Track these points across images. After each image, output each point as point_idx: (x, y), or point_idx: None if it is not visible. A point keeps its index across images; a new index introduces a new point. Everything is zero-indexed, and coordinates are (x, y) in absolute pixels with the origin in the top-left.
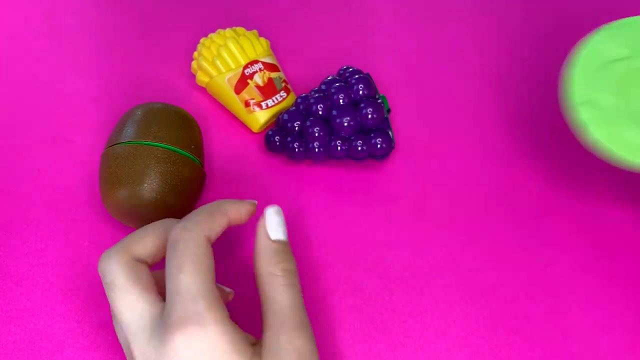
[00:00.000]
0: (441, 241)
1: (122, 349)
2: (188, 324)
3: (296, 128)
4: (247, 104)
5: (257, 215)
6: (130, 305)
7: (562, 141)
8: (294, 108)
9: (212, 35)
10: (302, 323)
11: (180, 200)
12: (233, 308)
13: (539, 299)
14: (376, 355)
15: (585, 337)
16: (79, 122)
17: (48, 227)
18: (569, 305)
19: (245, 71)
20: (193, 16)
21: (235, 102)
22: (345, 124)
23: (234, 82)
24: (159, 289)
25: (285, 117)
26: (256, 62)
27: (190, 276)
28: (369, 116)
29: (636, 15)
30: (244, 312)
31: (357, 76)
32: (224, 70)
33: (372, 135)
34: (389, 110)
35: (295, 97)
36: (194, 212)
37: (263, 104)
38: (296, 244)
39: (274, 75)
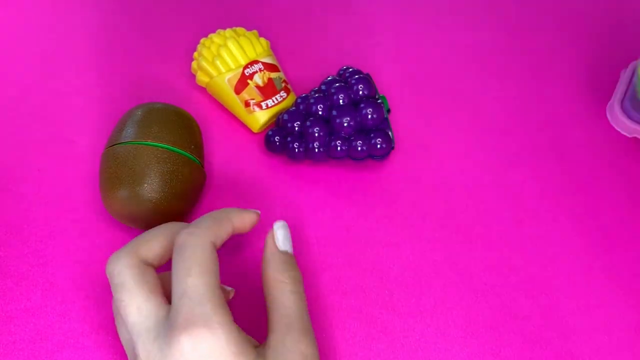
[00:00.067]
0: (441, 241)
1: (122, 349)
2: (195, 326)
3: (296, 128)
4: (247, 104)
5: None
6: (137, 306)
7: (562, 141)
8: (294, 108)
9: (212, 35)
10: (307, 328)
11: (180, 200)
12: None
13: (539, 299)
14: (376, 355)
15: (585, 337)
16: (79, 122)
17: (48, 227)
18: (569, 305)
19: (245, 71)
20: (193, 16)
21: (235, 102)
22: (345, 124)
23: (234, 82)
24: (164, 291)
25: (285, 117)
26: (256, 62)
27: (197, 279)
28: (369, 116)
29: None
30: (241, 316)
31: (357, 76)
32: (224, 70)
33: (372, 135)
34: (389, 110)
35: (295, 97)
36: (201, 218)
37: (263, 104)
38: (296, 244)
39: (274, 75)
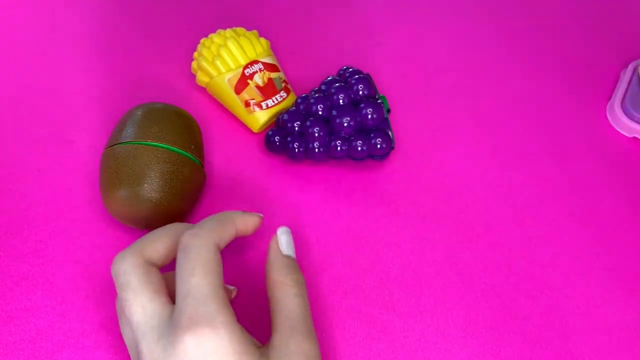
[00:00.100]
0: (441, 241)
1: (122, 349)
2: (199, 325)
3: (296, 128)
4: (247, 104)
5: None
6: (141, 306)
7: (562, 141)
8: (294, 108)
9: (212, 35)
10: (310, 330)
11: (181, 200)
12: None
13: (539, 299)
14: (376, 355)
15: (585, 337)
16: (79, 122)
17: (48, 227)
18: (569, 305)
19: (246, 71)
20: (193, 16)
21: (235, 102)
22: (345, 124)
23: (234, 82)
24: (168, 291)
25: (285, 117)
26: (256, 62)
27: (201, 279)
28: (369, 116)
29: None
30: (242, 317)
31: (357, 76)
32: (224, 70)
33: (372, 135)
34: (389, 110)
35: (295, 97)
36: (205, 219)
37: (263, 104)
38: (296, 244)
39: (274, 75)
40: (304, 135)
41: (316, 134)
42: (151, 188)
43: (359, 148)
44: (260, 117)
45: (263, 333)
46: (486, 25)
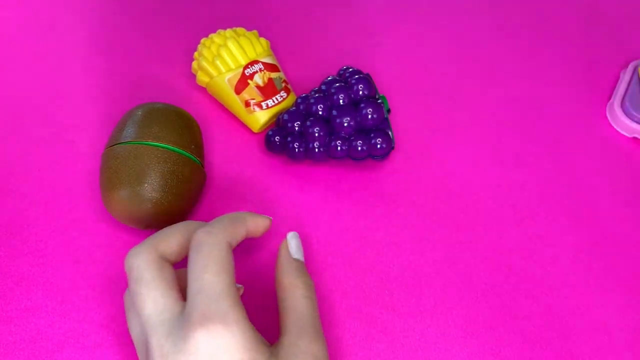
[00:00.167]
0: (441, 241)
1: (123, 349)
2: (211, 322)
3: (296, 128)
4: (247, 104)
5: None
6: (154, 300)
7: (562, 141)
8: (294, 108)
9: (212, 35)
10: (319, 332)
11: (181, 200)
12: None
13: (539, 299)
14: (376, 355)
15: (585, 337)
16: (79, 122)
17: (48, 227)
18: (569, 305)
19: (246, 71)
20: (193, 16)
21: (235, 102)
22: (345, 124)
23: (234, 82)
24: (180, 288)
25: (286, 117)
26: (256, 62)
27: (214, 277)
28: (369, 116)
29: None
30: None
31: (357, 76)
32: (224, 70)
33: (372, 135)
34: (389, 110)
35: (295, 97)
36: (218, 218)
37: (263, 104)
38: None
39: (274, 75)
40: (304, 135)
41: (316, 134)
42: (151, 188)
43: (359, 148)
44: (260, 117)
45: (267, 333)
46: (486, 25)
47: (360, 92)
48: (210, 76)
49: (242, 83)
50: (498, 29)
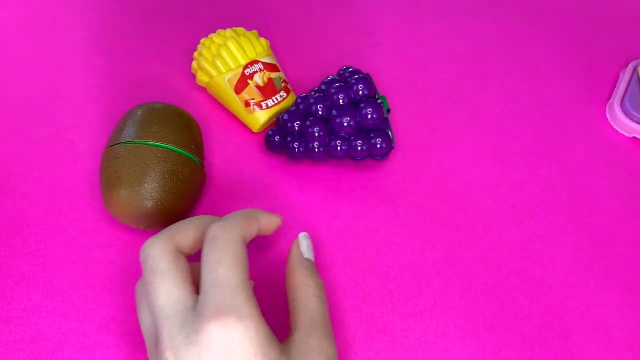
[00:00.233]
0: (441, 241)
1: (122, 349)
2: (226, 315)
3: (296, 128)
4: (247, 104)
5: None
6: (168, 291)
7: (562, 141)
8: (294, 108)
9: (212, 35)
10: (329, 331)
11: (181, 200)
12: None
13: (539, 299)
14: (376, 355)
15: (585, 337)
16: (79, 122)
17: (48, 227)
18: (569, 305)
19: (246, 71)
20: (193, 16)
21: (235, 103)
22: (345, 124)
23: (234, 82)
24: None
25: (286, 117)
26: (256, 62)
27: (229, 271)
28: (369, 116)
29: None
30: None
31: (357, 76)
32: (224, 70)
33: (372, 135)
34: (389, 110)
35: (295, 97)
36: (231, 214)
37: (263, 104)
38: None
39: (274, 75)
40: (304, 135)
41: (316, 134)
42: (151, 188)
43: (359, 148)
44: (260, 117)
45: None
46: (486, 25)
47: (360, 92)
48: (211, 76)
49: (242, 83)
50: (498, 28)
